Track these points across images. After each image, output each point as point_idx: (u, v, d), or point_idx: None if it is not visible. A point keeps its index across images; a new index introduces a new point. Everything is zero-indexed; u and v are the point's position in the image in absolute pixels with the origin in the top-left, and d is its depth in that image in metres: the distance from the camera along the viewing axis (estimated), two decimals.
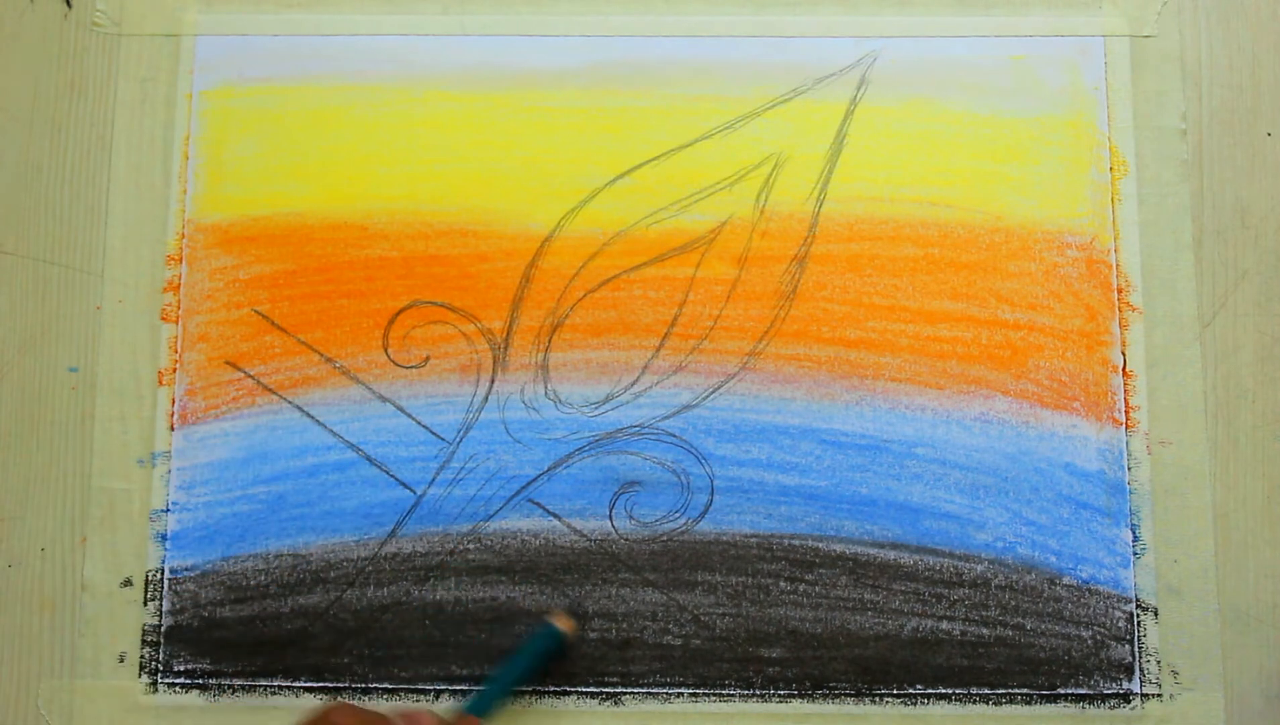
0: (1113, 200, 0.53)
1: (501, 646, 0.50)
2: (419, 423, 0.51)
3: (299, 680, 0.49)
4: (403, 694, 0.49)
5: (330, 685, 0.49)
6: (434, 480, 0.51)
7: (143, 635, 0.50)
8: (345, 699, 0.49)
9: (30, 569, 0.51)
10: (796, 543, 0.50)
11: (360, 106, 0.53)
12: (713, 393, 0.51)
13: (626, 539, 0.50)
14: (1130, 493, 0.51)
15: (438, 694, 0.49)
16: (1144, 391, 0.51)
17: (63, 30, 0.54)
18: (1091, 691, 0.49)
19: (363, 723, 0.41)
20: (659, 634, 0.50)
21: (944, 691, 0.49)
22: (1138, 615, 0.50)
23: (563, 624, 0.48)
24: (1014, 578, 0.50)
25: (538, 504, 0.51)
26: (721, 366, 0.51)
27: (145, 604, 0.50)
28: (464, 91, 0.53)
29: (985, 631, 0.50)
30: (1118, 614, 0.50)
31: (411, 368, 0.52)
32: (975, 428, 0.51)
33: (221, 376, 0.51)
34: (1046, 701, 0.49)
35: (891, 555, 0.50)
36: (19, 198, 0.53)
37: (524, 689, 0.49)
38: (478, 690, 0.47)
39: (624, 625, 0.50)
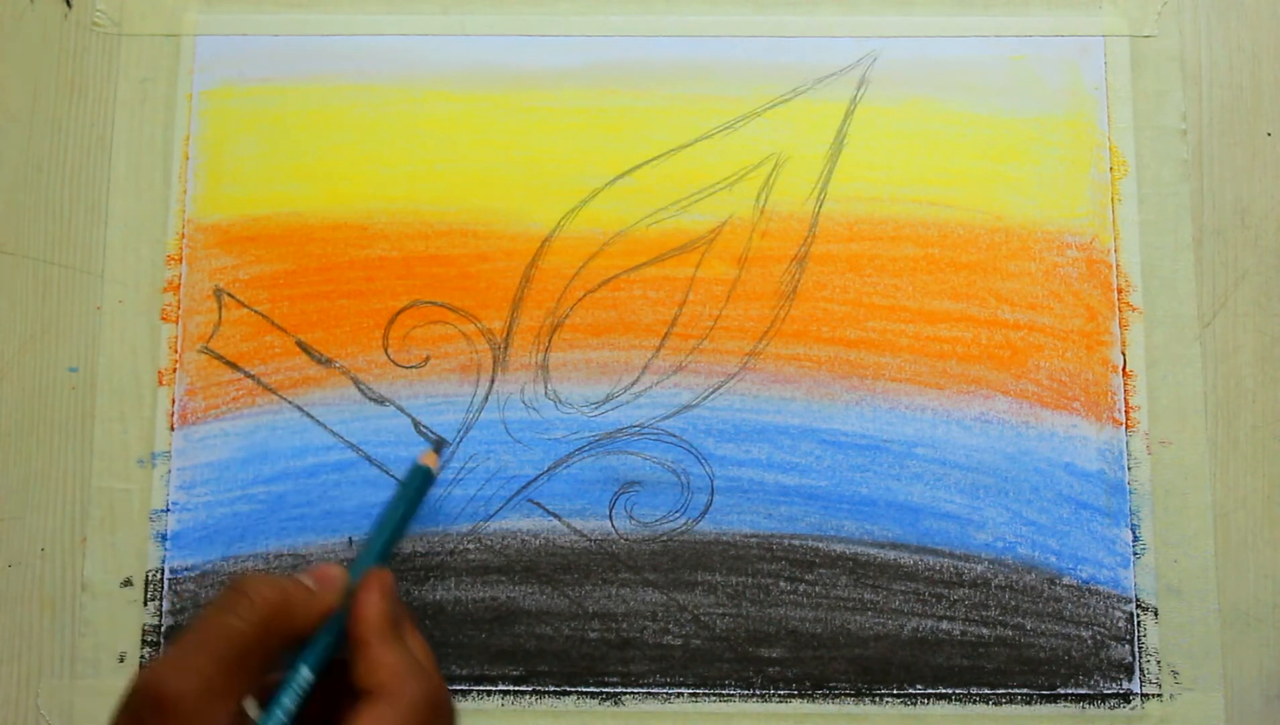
0: (1113, 200, 0.52)
1: (501, 646, 0.50)
2: (419, 422, 0.51)
3: None
4: None
5: None
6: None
7: (143, 635, 0.50)
8: None
9: (30, 569, 0.51)
10: (796, 543, 0.50)
11: (360, 107, 0.53)
12: (713, 393, 0.51)
13: (626, 539, 0.50)
14: (1130, 493, 0.51)
15: None
16: (1144, 391, 0.51)
17: (63, 30, 0.54)
18: (1091, 691, 0.49)
19: (274, 585, 0.39)
20: (659, 634, 0.50)
21: (944, 691, 0.49)
22: (1138, 615, 0.50)
23: (429, 461, 0.48)
24: (1014, 578, 0.50)
25: (538, 504, 0.51)
26: (721, 366, 0.51)
27: (145, 604, 0.50)
28: (464, 91, 0.53)
29: (985, 631, 0.50)
30: (1118, 614, 0.50)
31: (411, 368, 0.52)
32: (975, 428, 0.51)
33: (221, 376, 0.51)
34: (1046, 701, 0.49)
35: (891, 555, 0.50)
36: (19, 198, 0.53)
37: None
38: (367, 543, 0.45)
39: (624, 625, 0.50)
